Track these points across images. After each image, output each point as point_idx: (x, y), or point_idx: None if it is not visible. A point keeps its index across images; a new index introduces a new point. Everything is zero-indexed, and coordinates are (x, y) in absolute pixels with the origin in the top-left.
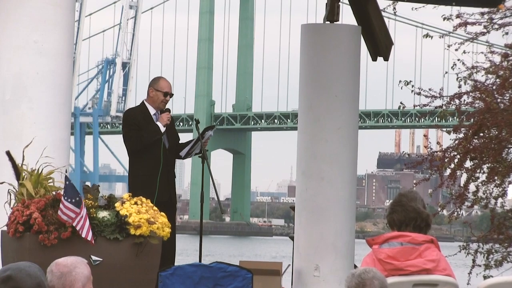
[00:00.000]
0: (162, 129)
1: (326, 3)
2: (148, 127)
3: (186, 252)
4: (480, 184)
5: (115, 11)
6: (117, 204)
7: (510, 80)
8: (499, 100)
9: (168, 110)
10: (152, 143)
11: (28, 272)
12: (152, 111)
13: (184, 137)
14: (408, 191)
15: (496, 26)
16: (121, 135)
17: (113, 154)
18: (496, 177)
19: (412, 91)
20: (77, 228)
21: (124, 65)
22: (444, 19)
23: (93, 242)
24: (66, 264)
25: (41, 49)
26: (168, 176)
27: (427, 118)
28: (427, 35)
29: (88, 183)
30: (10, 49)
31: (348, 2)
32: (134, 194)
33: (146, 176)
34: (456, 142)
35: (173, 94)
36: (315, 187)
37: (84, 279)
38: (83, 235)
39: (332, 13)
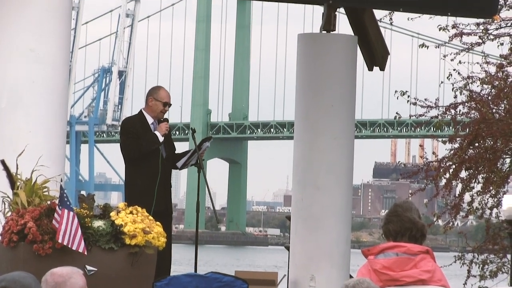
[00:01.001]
0: (161, 138)
1: (323, 13)
2: (147, 136)
3: (181, 261)
4: (475, 194)
5: (111, 20)
6: (113, 214)
7: (505, 90)
8: (494, 110)
9: (166, 120)
10: (150, 152)
11: (23, 284)
12: (150, 120)
13: (180, 146)
14: (403, 201)
15: (492, 37)
16: (117, 143)
17: (108, 163)
18: (491, 187)
19: (408, 101)
20: (64, 243)
21: (121, 73)
22: (440, 29)
23: (85, 252)
24: (61, 274)
25: (37, 57)
26: (165, 185)
27: (422, 128)
28: (423, 45)
29: (83, 192)
30: (6, 57)
31: (344, 12)
32: (131, 203)
33: (144, 186)
34: (452, 152)
35: (171, 104)
36: (311, 196)
37: None
38: (74, 248)
39: (328, 23)
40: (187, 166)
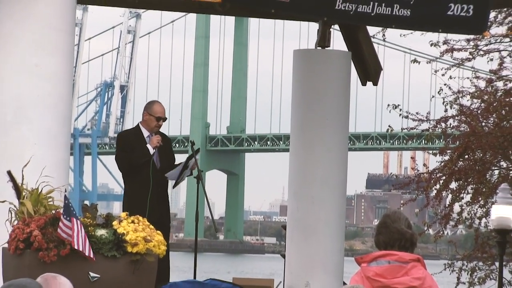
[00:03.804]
0: (151, 151)
1: (318, 29)
2: (138, 149)
3: (181, 269)
4: (464, 205)
5: (113, 36)
6: (115, 223)
7: (494, 104)
8: (483, 123)
9: (160, 133)
10: (141, 164)
11: None
12: (145, 133)
13: (180, 158)
14: (392, 212)
15: (482, 53)
16: None
17: (111, 174)
18: (480, 198)
19: (400, 114)
20: (79, 248)
21: (122, 88)
22: (431, 45)
23: (94, 258)
24: (53, 274)
25: (42, 72)
26: (158, 196)
27: (414, 140)
28: (414, 60)
29: (87, 202)
30: (11, 72)
31: (339, 29)
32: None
33: (136, 196)
34: (442, 164)
35: (166, 118)
36: (306, 207)
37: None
38: (86, 253)
39: (323, 39)
40: (178, 184)
